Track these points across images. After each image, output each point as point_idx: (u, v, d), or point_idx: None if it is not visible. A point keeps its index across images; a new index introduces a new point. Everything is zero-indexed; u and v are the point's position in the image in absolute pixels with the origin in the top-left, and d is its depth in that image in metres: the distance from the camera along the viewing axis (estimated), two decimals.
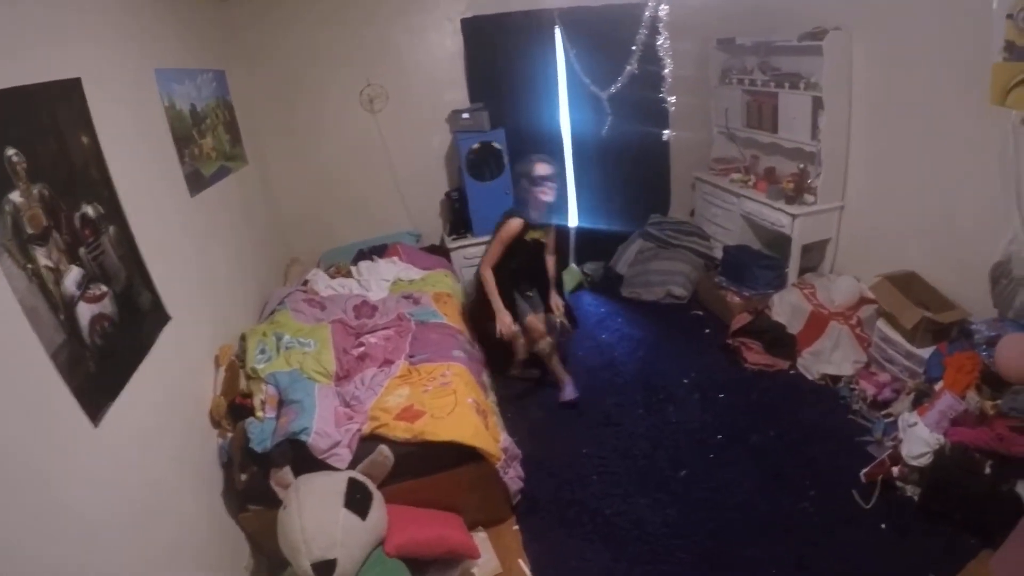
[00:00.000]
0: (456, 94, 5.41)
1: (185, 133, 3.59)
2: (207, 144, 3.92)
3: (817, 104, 4.69)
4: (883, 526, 3.21)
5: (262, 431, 2.95)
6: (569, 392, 4.32)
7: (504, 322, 4.09)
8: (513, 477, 3.34)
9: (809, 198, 4.92)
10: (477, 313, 4.43)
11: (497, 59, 5.26)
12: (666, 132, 4.71)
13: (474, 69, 5.34)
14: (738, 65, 5.59)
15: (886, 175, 4.50)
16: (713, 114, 5.96)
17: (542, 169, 3.99)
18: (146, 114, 3.17)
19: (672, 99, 4.59)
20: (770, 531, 3.23)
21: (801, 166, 5.06)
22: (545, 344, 4.25)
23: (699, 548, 3.13)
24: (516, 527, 3.33)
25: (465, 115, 5.15)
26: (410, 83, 5.32)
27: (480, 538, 3.16)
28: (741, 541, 3.17)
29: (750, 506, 3.39)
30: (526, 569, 3.08)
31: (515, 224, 4.05)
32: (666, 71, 5.15)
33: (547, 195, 4.01)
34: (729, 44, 5.50)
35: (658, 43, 5.12)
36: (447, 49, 5.31)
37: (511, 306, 4.21)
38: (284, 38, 4.96)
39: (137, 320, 2.64)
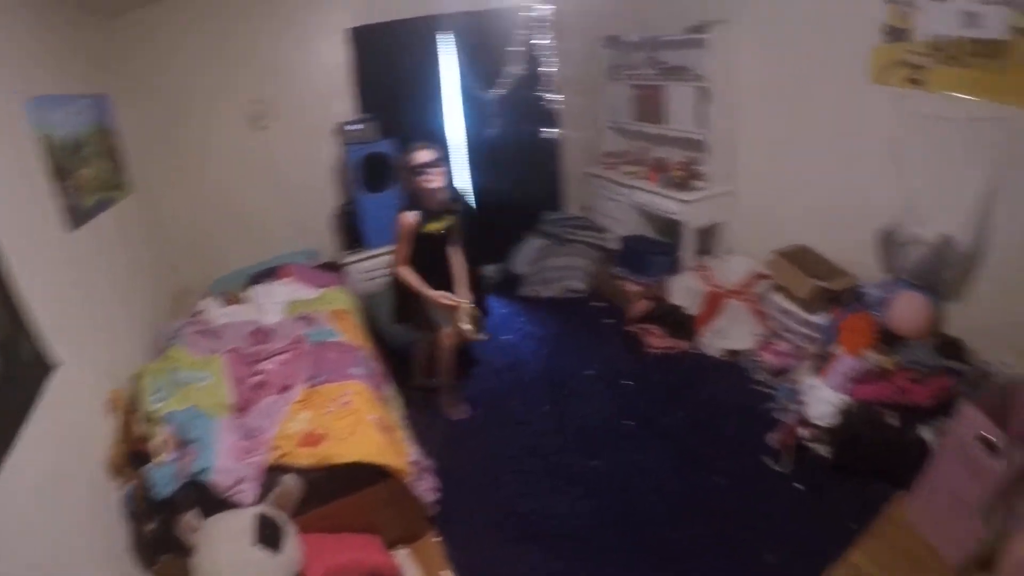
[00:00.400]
0: (345, 106, 5.15)
1: (62, 164, 3.16)
2: (88, 174, 3.50)
3: (704, 94, 4.77)
4: (799, 487, 3.23)
5: (164, 475, 2.67)
6: (460, 411, 4.15)
7: (439, 297, 3.77)
8: (426, 489, 3.19)
9: (699, 184, 4.99)
10: (398, 314, 4.16)
11: (386, 68, 5.07)
12: (553, 130, 4.64)
13: (363, 79, 5.12)
14: (625, 61, 5.64)
15: (775, 157, 4.63)
16: (602, 110, 5.98)
17: (423, 156, 3.68)
18: (16, 146, 2.78)
19: (557, 98, 4.55)
20: (690, 508, 3.19)
21: (690, 155, 5.14)
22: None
23: (622, 535, 3.08)
24: (437, 539, 3.18)
25: (354, 126, 4.94)
26: (298, 97, 5.03)
27: (402, 555, 3.01)
28: (663, 522, 3.12)
29: (667, 487, 3.34)
30: None
31: (407, 218, 3.70)
32: (553, 71, 5.18)
33: (433, 182, 3.68)
34: (616, 42, 5.55)
35: (545, 44, 5.15)
36: (335, 60, 5.06)
37: (426, 318, 3.94)
38: (169, 59, 4.57)
39: (18, 374, 2.27)
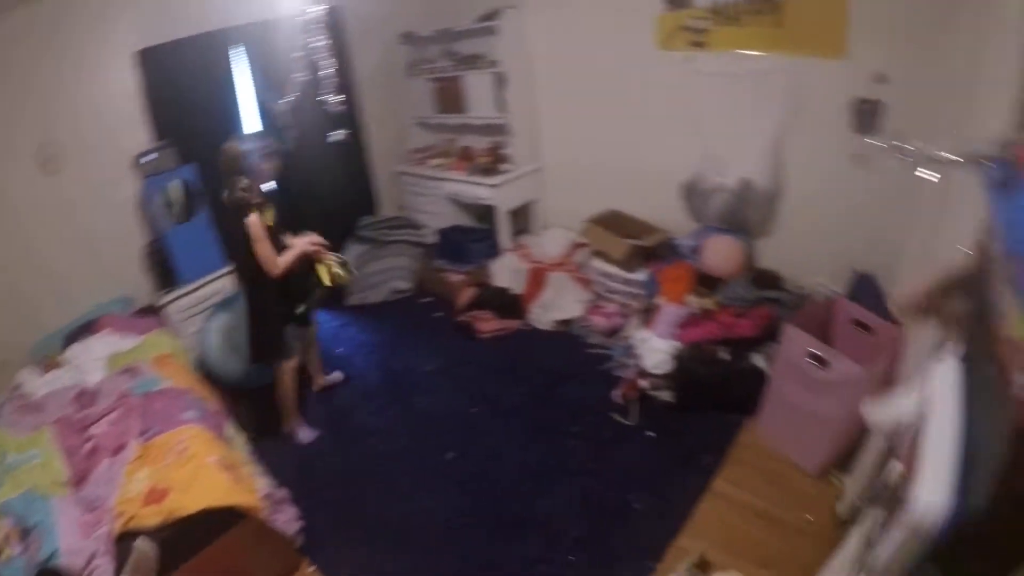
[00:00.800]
0: (140, 136, 4.54)
1: None
2: None
3: (500, 79, 4.78)
4: (651, 434, 3.29)
5: (14, 572, 2.38)
6: (305, 435, 3.87)
7: (311, 243, 3.62)
8: (287, 521, 3.02)
9: (505, 167, 5.02)
10: (258, 351, 3.76)
11: (179, 90, 4.56)
12: (342, 132, 4.45)
13: (156, 105, 4.55)
14: (422, 56, 5.55)
15: (577, 129, 4.74)
16: (405, 107, 5.84)
17: (241, 147, 3.41)
18: None
19: (341, 99, 4.34)
20: (549, 478, 3.17)
21: (495, 139, 5.15)
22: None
23: (489, 519, 3.02)
24: (312, 568, 2.99)
25: (150, 156, 4.43)
26: (89, 133, 4.31)
27: None
28: (526, 497, 3.09)
29: (523, 462, 3.31)
30: None
31: (254, 219, 3.28)
32: (345, 73, 4.98)
33: (267, 166, 3.45)
34: (411, 37, 5.45)
35: (327, 47, 4.94)
36: (125, 88, 4.46)
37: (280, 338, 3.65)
38: None
39: None
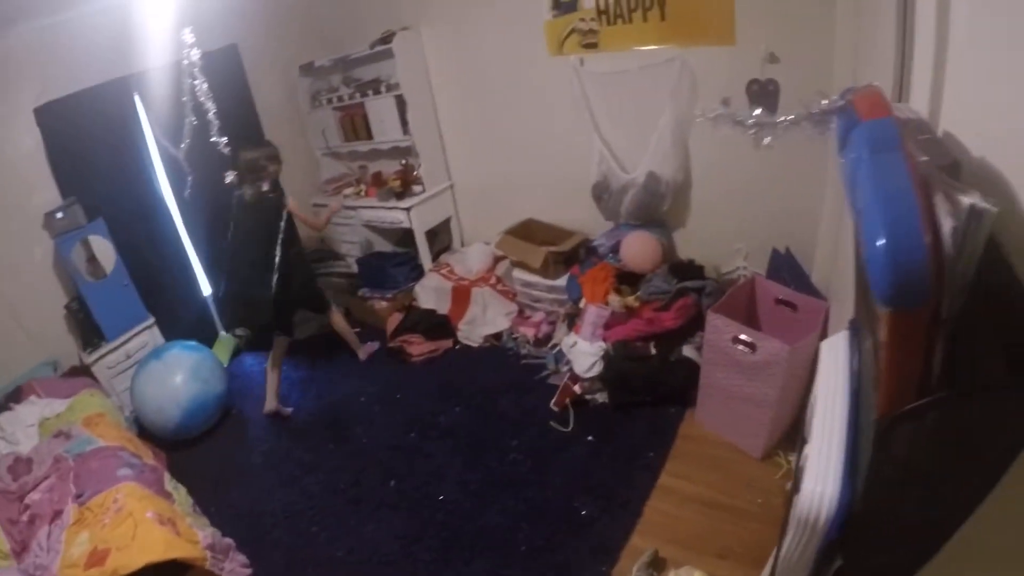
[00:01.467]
0: (47, 194, 4.21)
1: None
2: None
3: (401, 102, 4.66)
4: (590, 438, 3.21)
5: None
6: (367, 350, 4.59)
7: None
8: (234, 568, 2.89)
9: (417, 188, 4.89)
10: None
11: (82, 143, 4.25)
12: (229, 175, 4.25)
13: (60, 160, 4.22)
14: (324, 86, 5.38)
15: (483, 144, 4.66)
16: (312, 138, 5.64)
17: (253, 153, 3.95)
18: None
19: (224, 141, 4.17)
20: (494, 494, 3.09)
21: (403, 162, 5.02)
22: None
23: (438, 542, 2.92)
24: None
25: (58, 215, 4.12)
26: None
27: None
28: (471, 516, 3.01)
29: (466, 481, 3.22)
30: None
31: (294, 204, 4.00)
32: (247, 110, 4.79)
33: (273, 168, 3.96)
34: (310, 68, 5.27)
35: (238, 84, 4.75)
36: (25, 147, 4.14)
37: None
38: None
39: None
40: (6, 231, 4.11)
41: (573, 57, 3.69)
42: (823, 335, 2.49)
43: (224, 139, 4.15)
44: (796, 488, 1.25)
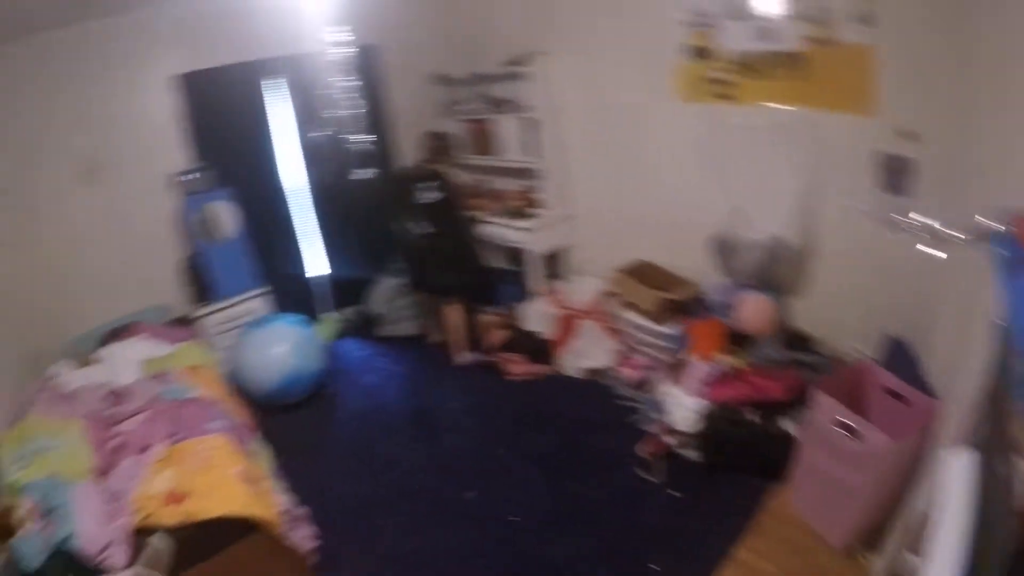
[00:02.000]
0: (180, 155, 4.71)
1: None
2: None
3: (531, 124, 4.78)
4: (675, 493, 3.19)
5: (31, 547, 2.45)
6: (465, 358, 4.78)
7: None
8: (302, 538, 3.02)
9: (538, 212, 4.98)
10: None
11: (219, 114, 4.71)
12: (365, 171, 4.47)
13: (197, 128, 4.70)
14: (456, 97, 5.56)
15: (606, 177, 4.69)
16: None
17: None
18: None
19: (369, 138, 4.41)
20: (569, 527, 3.11)
21: (527, 184, 5.11)
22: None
23: (503, 562, 2.96)
24: None
25: (189, 177, 4.55)
26: (131, 149, 4.54)
27: None
28: (543, 543, 3.04)
29: (543, 509, 3.25)
30: None
31: None
32: (378, 111, 5.01)
33: None
34: (446, 79, 5.46)
35: (372, 85, 4.98)
36: (166, 109, 4.61)
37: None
38: None
39: None
40: (139, 185, 4.63)
41: (703, 105, 3.68)
42: (931, 436, 2.43)
43: (364, 136, 4.44)
44: None
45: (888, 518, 2.49)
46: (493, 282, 5.23)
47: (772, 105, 3.38)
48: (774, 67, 3.31)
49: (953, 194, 2.43)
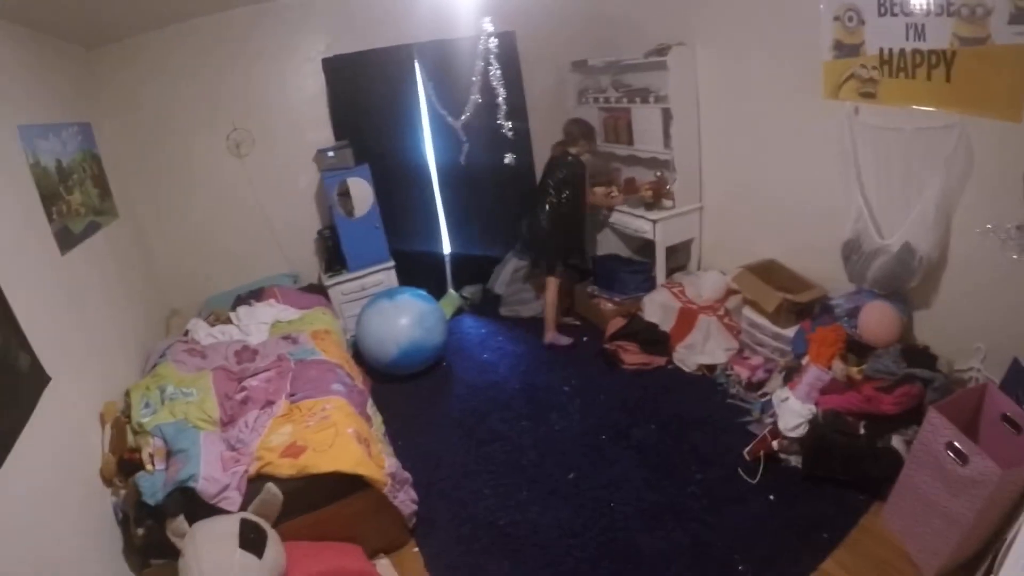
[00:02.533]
0: (321, 133, 5.11)
1: (52, 190, 3.21)
2: (75, 200, 3.52)
3: (667, 115, 4.75)
4: (772, 497, 3.16)
5: (153, 484, 2.72)
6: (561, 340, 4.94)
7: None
8: (405, 501, 3.18)
9: (668, 203, 4.97)
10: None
11: (359, 96, 5.04)
12: (508, 156, 4.60)
13: (337, 107, 5.09)
14: (593, 85, 5.63)
15: (738, 173, 4.62)
16: None
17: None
18: (10, 173, 2.83)
19: (516, 124, 4.55)
20: (662, 518, 3.13)
21: (658, 174, 5.12)
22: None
23: (595, 545, 3.03)
24: (416, 549, 3.16)
25: (330, 153, 4.88)
26: (275, 125, 4.99)
27: (383, 565, 3.03)
28: (635, 532, 3.07)
29: (640, 498, 3.29)
30: None
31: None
32: (516, 97, 5.13)
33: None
34: (582, 66, 5.52)
35: (511, 71, 5.11)
36: (309, 89, 5.03)
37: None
38: (148, 87, 4.53)
39: (15, 384, 2.35)
40: (282, 156, 5.06)
41: (848, 104, 3.54)
42: None
43: (502, 120, 4.62)
44: None
45: (985, 550, 2.38)
46: (591, 263, 5.32)
47: (915, 107, 3.22)
48: (918, 66, 3.15)
49: None
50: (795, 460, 3.25)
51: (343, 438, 3.04)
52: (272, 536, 2.57)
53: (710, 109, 4.67)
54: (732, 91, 4.44)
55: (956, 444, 2.42)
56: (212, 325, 4.39)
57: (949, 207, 3.11)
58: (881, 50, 3.29)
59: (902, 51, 3.18)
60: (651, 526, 3.09)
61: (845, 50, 3.49)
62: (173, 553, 2.54)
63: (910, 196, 3.26)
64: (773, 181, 4.26)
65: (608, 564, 2.91)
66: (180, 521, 2.60)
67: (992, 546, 2.38)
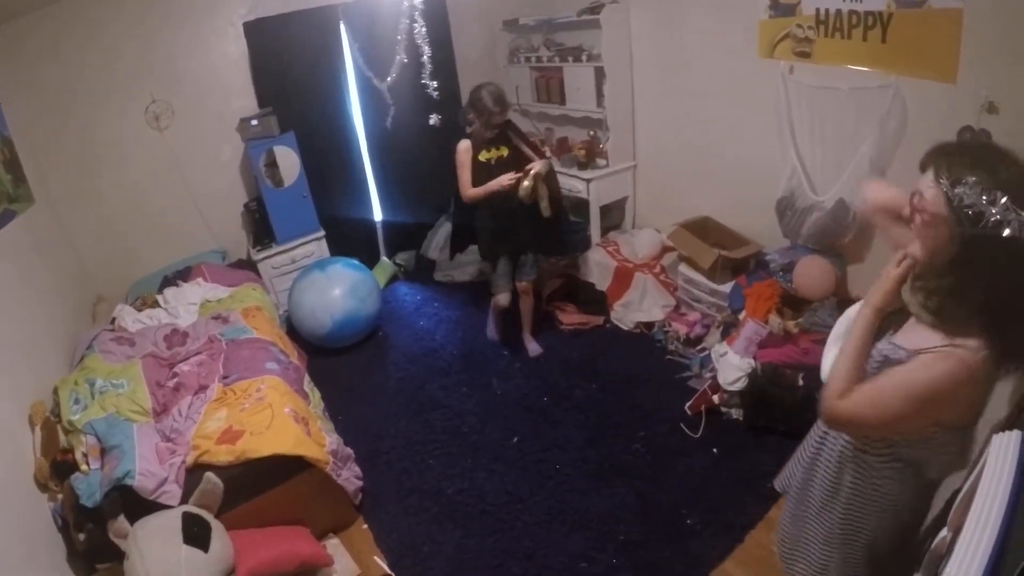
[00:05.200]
0: (244, 101, 4.83)
1: None
2: None
3: (600, 74, 4.71)
4: (715, 450, 3.24)
5: (89, 485, 2.61)
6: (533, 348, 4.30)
7: (502, 180, 3.72)
8: (349, 477, 3.16)
9: (601, 162, 4.97)
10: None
11: (283, 61, 4.78)
12: (432, 117, 4.47)
13: (260, 74, 4.81)
14: (524, 44, 5.53)
15: (673, 131, 4.63)
16: (505, 94, 5.80)
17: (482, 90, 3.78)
18: None
19: (435, 84, 4.44)
20: (608, 477, 3.19)
21: (591, 133, 5.10)
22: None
23: (543, 508, 3.06)
24: (365, 526, 3.14)
25: (253, 122, 4.65)
26: (196, 95, 4.67)
27: (332, 545, 3.00)
28: (581, 492, 3.13)
29: (585, 458, 3.32)
30: (383, 564, 2.91)
31: (461, 146, 3.83)
32: (445, 58, 4.99)
33: (498, 111, 3.76)
34: (514, 24, 5.41)
35: (440, 31, 4.96)
36: (231, 55, 4.73)
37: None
38: (55, 64, 4.15)
39: None
40: (203, 127, 4.75)
41: (782, 63, 3.57)
42: None
43: (434, 82, 4.47)
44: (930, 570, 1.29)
45: None
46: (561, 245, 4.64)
47: (851, 67, 3.27)
48: (854, 26, 3.20)
49: None
50: (736, 413, 3.33)
51: (280, 419, 2.97)
52: (216, 527, 2.52)
53: (644, 68, 4.65)
54: (666, 49, 4.42)
55: None
56: (139, 310, 4.19)
57: (883, 164, 3.19)
58: (817, 10, 3.32)
59: (838, 11, 3.21)
60: (598, 486, 3.14)
61: (781, 9, 3.51)
62: (118, 555, 2.45)
63: (844, 154, 3.33)
64: (707, 139, 4.29)
65: (558, 526, 2.94)
66: (121, 521, 2.51)
67: None
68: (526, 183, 3.58)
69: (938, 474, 1.55)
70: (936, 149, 1.36)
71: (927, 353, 1.32)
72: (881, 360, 1.45)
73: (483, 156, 3.83)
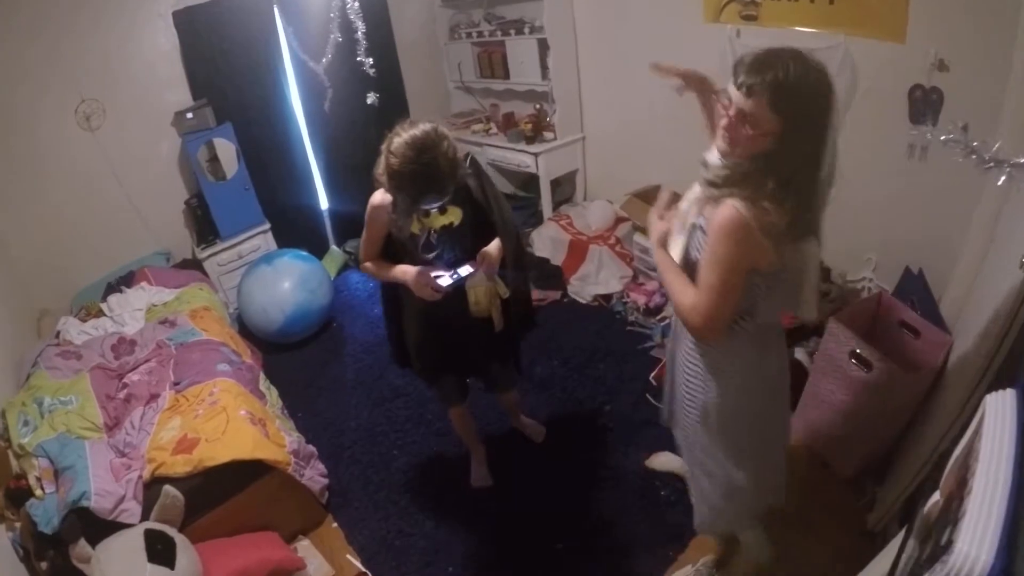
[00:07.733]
0: (179, 94, 4.55)
1: None
2: None
3: (543, 46, 4.61)
4: None
5: (46, 510, 2.47)
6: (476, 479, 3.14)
7: (414, 280, 2.26)
8: (313, 476, 3.07)
9: (549, 135, 4.87)
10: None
11: (216, 49, 4.50)
12: (370, 95, 4.30)
13: (193, 64, 4.53)
14: (465, 20, 5.38)
15: (621, 101, 4.54)
16: (447, 70, 5.69)
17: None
18: None
19: (371, 62, 4.28)
20: (574, 451, 3.14)
21: (537, 106, 5.00)
22: None
23: (512, 485, 3.02)
24: (335, 524, 3.05)
25: (188, 115, 4.40)
26: (128, 91, 4.37)
27: (303, 546, 2.92)
28: (550, 469, 3.08)
29: (550, 435, 3.26)
30: (356, 562, 2.83)
31: (374, 198, 2.38)
32: (383, 36, 4.81)
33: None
34: (453, 0, 5.24)
35: (377, 8, 4.78)
36: (162, 48, 4.43)
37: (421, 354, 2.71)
38: None
39: None
40: (138, 125, 4.47)
41: (729, 27, 3.52)
42: (941, 372, 2.39)
43: (370, 60, 4.28)
44: (935, 541, 1.24)
45: (896, 448, 2.49)
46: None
47: (799, 28, 3.22)
48: None
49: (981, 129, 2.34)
50: None
51: (236, 422, 2.85)
52: (181, 542, 2.41)
53: (588, 37, 4.55)
54: (610, 18, 4.32)
55: (859, 352, 2.49)
56: (84, 321, 3.97)
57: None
58: None
59: None
60: (566, 462, 3.09)
61: None
62: None
63: None
64: (656, 108, 4.20)
65: (530, 509, 2.88)
66: (82, 546, 2.39)
67: (901, 444, 2.49)
68: (473, 300, 2.41)
69: (772, 317, 1.76)
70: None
71: (714, 218, 1.52)
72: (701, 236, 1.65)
73: (415, 226, 2.34)
